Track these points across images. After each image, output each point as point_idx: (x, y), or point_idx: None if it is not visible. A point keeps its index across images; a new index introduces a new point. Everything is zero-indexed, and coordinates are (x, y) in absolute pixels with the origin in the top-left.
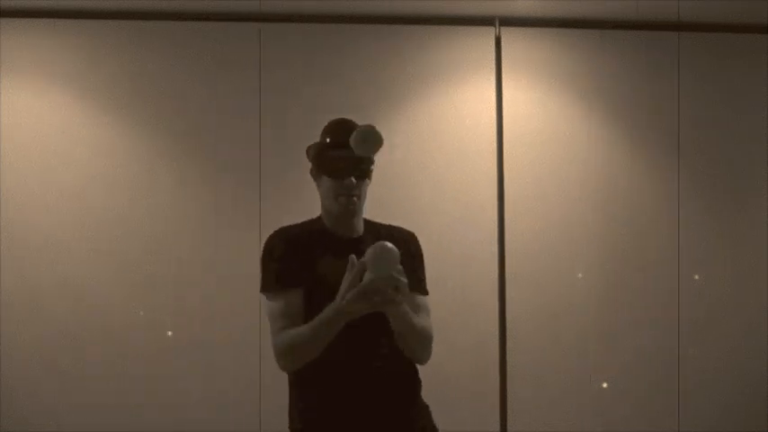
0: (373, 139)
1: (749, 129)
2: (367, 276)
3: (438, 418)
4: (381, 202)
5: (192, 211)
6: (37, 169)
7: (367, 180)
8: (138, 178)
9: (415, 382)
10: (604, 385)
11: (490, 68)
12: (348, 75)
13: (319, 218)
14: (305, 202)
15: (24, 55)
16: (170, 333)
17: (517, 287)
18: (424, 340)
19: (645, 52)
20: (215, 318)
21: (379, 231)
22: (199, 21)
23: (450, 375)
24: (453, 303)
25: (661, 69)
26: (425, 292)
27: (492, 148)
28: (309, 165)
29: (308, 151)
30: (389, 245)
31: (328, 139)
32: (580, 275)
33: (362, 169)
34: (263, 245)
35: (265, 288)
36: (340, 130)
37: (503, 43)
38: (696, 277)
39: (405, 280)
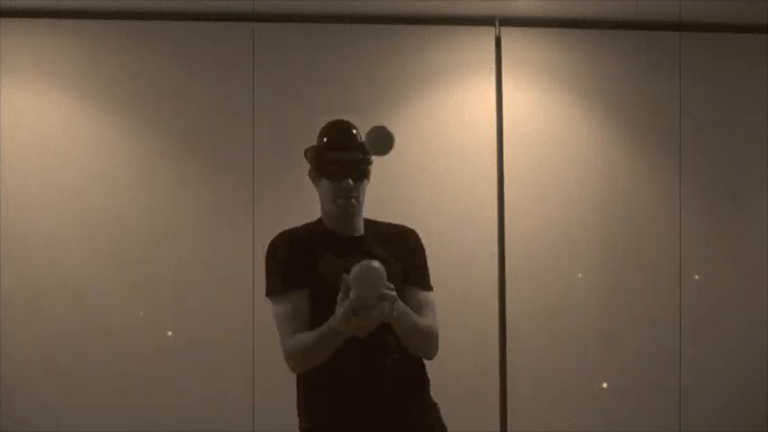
0: (387, 139)
1: (749, 129)
2: (353, 293)
3: None
4: (381, 201)
5: (191, 211)
6: (37, 169)
7: (366, 180)
8: (138, 178)
9: (423, 381)
10: (604, 385)
11: (490, 68)
12: (348, 75)
13: (320, 219)
14: (304, 202)
15: (24, 55)
16: (170, 333)
17: (517, 287)
18: (428, 339)
19: (645, 52)
20: (215, 318)
21: (379, 230)
22: (198, 21)
23: (450, 375)
24: (453, 303)
25: (661, 69)
26: (429, 288)
27: (492, 148)
28: (308, 165)
29: (306, 153)
30: (374, 264)
31: (325, 139)
32: (580, 275)
33: (361, 170)
34: (265, 249)
35: (270, 291)
36: (337, 132)
37: (503, 43)
38: (696, 277)
39: (393, 293)
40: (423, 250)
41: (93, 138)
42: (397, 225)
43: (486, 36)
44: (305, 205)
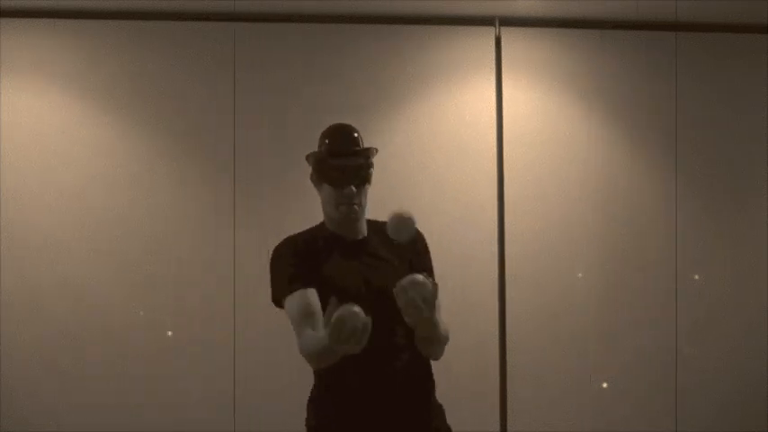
0: (409, 229)
1: (749, 129)
2: (335, 315)
3: None
4: (382, 201)
5: (192, 211)
6: (37, 169)
7: (367, 185)
8: (138, 178)
9: (430, 383)
10: (604, 385)
11: (490, 68)
12: (348, 75)
13: (323, 224)
14: (305, 202)
15: (24, 55)
16: (170, 333)
17: (517, 287)
18: (441, 340)
19: (645, 52)
20: (215, 318)
21: (383, 231)
22: (198, 21)
23: (450, 375)
24: (453, 303)
25: (661, 69)
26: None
27: (492, 148)
28: (309, 166)
29: (308, 158)
30: (355, 309)
31: (327, 142)
32: (580, 275)
33: (362, 176)
34: (269, 254)
35: (277, 294)
36: (339, 137)
37: (503, 43)
38: (696, 277)
39: (429, 291)
40: (427, 251)
41: (93, 138)
42: None
43: (486, 36)
44: (305, 205)
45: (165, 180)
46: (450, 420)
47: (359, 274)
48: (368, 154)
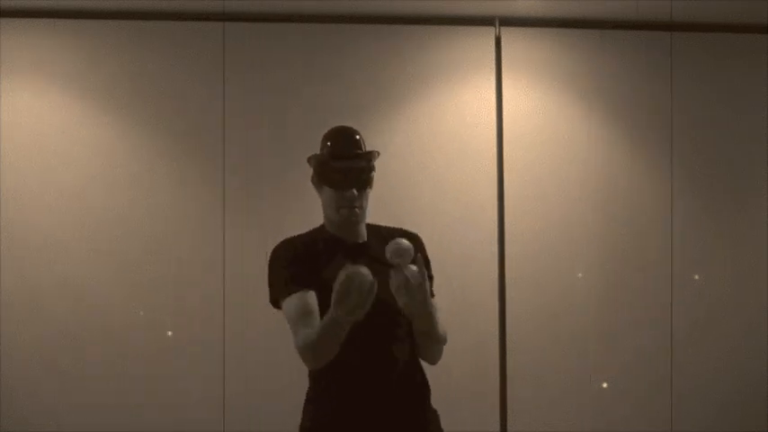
0: (408, 254)
1: (749, 129)
2: (341, 274)
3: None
4: (382, 202)
5: (192, 211)
6: (37, 169)
7: (369, 188)
8: (138, 178)
9: (426, 389)
10: (604, 385)
11: (490, 68)
12: (348, 75)
13: (323, 226)
14: (305, 202)
15: (24, 55)
16: (170, 333)
17: (517, 287)
18: (440, 342)
19: (645, 52)
20: (215, 318)
21: (382, 234)
22: (198, 21)
23: (450, 375)
24: (453, 303)
25: (661, 69)
26: (432, 294)
27: (492, 148)
28: (309, 167)
29: (309, 160)
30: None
31: (329, 144)
32: (580, 275)
33: (364, 180)
34: (268, 256)
35: (275, 296)
36: (341, 139)
37: (503, 43)
38: (696, 277)
39: (421, 278)
40: (428, 260)
41: (93, 138)
42: (400, 230)
43: (486, 36)
44: (305, 206)
45: (165, 180)
46: (449, 420)
47: None
48: (370, 157)
